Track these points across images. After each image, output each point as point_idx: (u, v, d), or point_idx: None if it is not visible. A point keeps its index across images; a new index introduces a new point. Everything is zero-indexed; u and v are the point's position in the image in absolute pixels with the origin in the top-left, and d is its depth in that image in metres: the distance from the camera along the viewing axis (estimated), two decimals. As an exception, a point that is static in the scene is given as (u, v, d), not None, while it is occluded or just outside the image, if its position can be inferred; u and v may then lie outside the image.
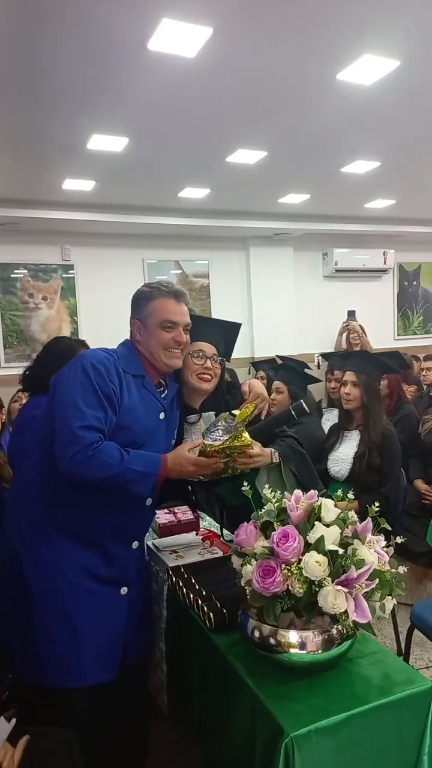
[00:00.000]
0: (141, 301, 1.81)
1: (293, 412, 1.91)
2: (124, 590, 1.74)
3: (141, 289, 1.85)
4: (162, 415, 1.79)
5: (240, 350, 6.73)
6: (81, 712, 1.70)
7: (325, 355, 5.53)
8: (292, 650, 1.26)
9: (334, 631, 1.26)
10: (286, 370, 3.45)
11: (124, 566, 1.74)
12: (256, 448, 1.78)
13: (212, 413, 2.00)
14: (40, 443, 1.73)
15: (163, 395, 1.83)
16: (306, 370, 3.76)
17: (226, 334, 2.06)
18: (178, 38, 2.58)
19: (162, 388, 1.85)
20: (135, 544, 1.78)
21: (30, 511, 1.72)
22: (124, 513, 1.70)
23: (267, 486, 1.49)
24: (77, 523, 1.68)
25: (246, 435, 1.65)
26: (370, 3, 2.43)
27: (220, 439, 1.64)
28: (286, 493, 1.41)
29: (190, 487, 2.10)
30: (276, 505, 1.39)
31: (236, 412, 1.71)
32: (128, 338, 1.86)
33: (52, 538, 1.67)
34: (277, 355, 5.55)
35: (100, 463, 1.54)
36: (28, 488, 1.77)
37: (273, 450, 1.90)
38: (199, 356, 1.94)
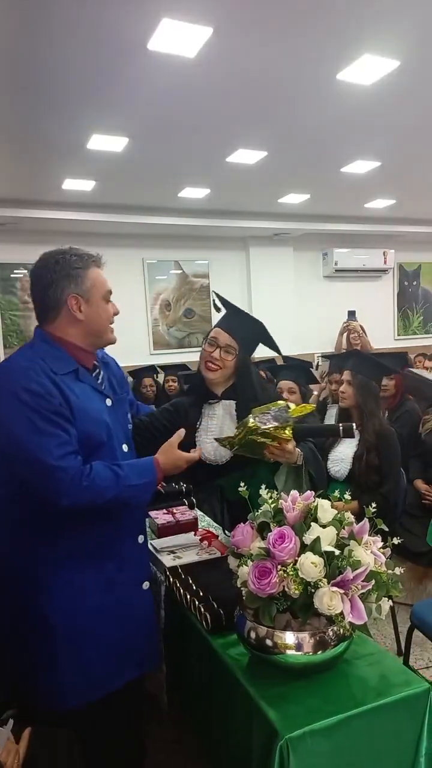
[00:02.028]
0: (74, 271, 1.55)
1: (341, 429, 1.83)
2: (146, 585, 1.68)
3: (64, 258, 1.56)
4: (109, 402, 1.64)
5: (240, 350, 6.80)
6: (117, 714, 1.63)
7: (326, 356, 5.54)
8: (288, 651, 1.26)
9: (330, 633, 1.26)
10: (295, 370, 3.42)
11: (138, 563, 1.68)
12: (290, 445, 1.76)
13: (233, 402, 1.98)
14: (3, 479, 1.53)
15: (99, 380, 1.66)
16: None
17: (252, 331, 1.98)
18: (178, 38, 2.58)
19: (96, 371, 1.67)
20: (141, 539, 1.71)
21: (28, 544, 1.55)
22: (124, 514, 1.66)
23: (264, 488, 1.48)
24: (81, 541, 1.54)
25: (289, 431, 1.65)
26: (370, 3, 2.43)
27: (267, 424, 1.63)
28: (282, 493, 1.41)
29: (185, 484, 2.09)
30: (272, 505, 1.39)
31: (292, 405, 1.70)
32: (39, 329, 1.59)
33: (59, 563, 1.52)
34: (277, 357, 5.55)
35: (97, 490, 1.45)
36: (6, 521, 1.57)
37: (300, 452, 1.88)
38: (212, 343, 1.88)
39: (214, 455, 1.97)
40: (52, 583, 1.50)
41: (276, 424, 1.64)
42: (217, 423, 1.99)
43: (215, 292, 2.11)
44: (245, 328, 1.97)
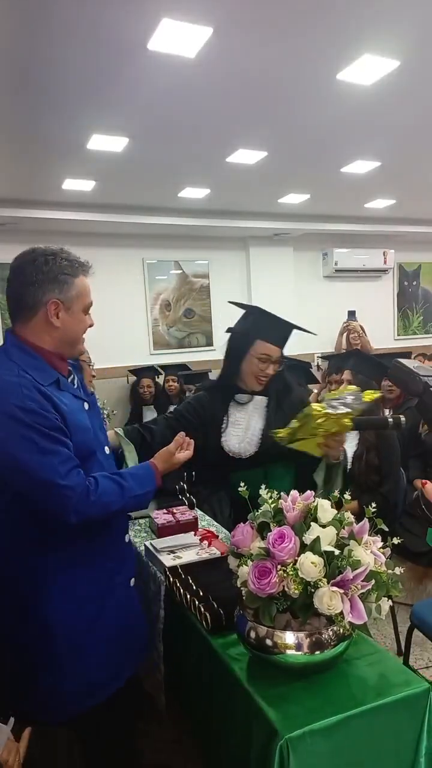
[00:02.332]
0: (62, 276, 1.48)
1: (390, 422, 1.83)
2: (132, 581, 1.69)
3: (55, 260, 1.48)
4: (86, 405, 1.60)
5: (240, 350, 6.81)
6: (117, 714, 1.62)
7: (325, 357, 5.54)
8: (288, 651, 1.26)
9: (330, 633, 1.26)
10: (295, 370, 3.42)
11: (128, 562, 1.70)
12: (345, 436, 1.76)
13: (264, 398, 2.01)
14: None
15: (75, 385, 1.61)
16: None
17: (288, 333, 2.02)
18: (178, 38, 2.58)
19: (71, 377, 1.62)
20: (127, 538, 1.72)
21: (26, 551, 1.51)
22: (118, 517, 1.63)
23: (264, 488, 1.48)
24: (79, 545, 1.52)
25: (350, 419, 1.64)
26: (370, 3, 2.43)
27: (338, 409, 1.62)
28: (282, 493, 1.41)
29: (182, 482, 2.11)
30: (272, 505, 1.39)
31: (365, 394, 1.68)
32: (11, 334, 1.50)
33: (58, 569, 1.50)
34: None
35: (104, 504, 1.44)
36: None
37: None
38: (264, 360, 1.90)
39: (238, 448, 1.97)
40: (51, 588, 1.48)
41: (347, 410, 1.62)
42: (245, 417, 2.00)
43: (236, 304, 2.10)
44: (285, 335, 1.99)
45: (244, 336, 2.01)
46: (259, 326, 1.97)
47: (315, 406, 1.64)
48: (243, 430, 2.00)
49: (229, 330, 2.10)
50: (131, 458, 1.98)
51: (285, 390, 2.06)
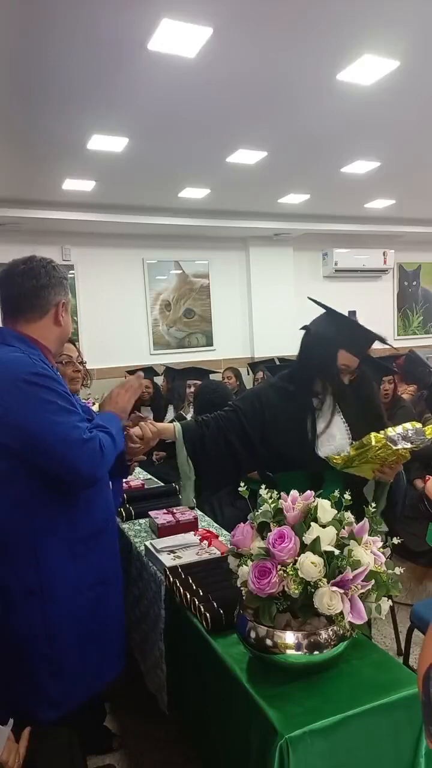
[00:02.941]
0: (65, 280, 1.62)
1: None
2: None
3: (53, 266, 1.60)
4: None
5: (239, 350, 6.81)
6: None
7: None
8: (288, 651, 1.26)
9: (330, 633, 1.26)
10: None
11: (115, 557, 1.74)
12: (399, 465, 1.75)
13: (331, 399, 1.92)
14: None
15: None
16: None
17: (370, 345, 1.96)
18: (178, 38, 2.58)
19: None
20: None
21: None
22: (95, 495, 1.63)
23: (264, 488, 1.48)
24: (70, 532, 1.54)
25: (408, 452, 1.65)
26: (370, 3, 2.43)
27: (398, 443, 1.61)
28: (282, 493, 1.41)
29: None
30: (272, 505, 1.39)
31: (427, 429, 1.66)
32: (13, 332, 1.55)
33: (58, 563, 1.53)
34: (276, 357, 5.54)
35: (108, 459, 1.52)
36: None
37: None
38: (343, 371, 1.84)
39: (332, 450, 1.84)
40: (54, 580, 1.51)
41: (410, 445, 1.61)
42: (327, 419, 1.88)
43: (316, 302, 1.98)
44: (368, 345, 1.93)
45: (327, 344, 1.88)
46: (344, 335, 1.86)
47: (375, 437, 1.61)
48: (328, 434, 1.87)
49: (304, 328, 1.98)
50: (188, 492, 1.86)
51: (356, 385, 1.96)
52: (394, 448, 1.59)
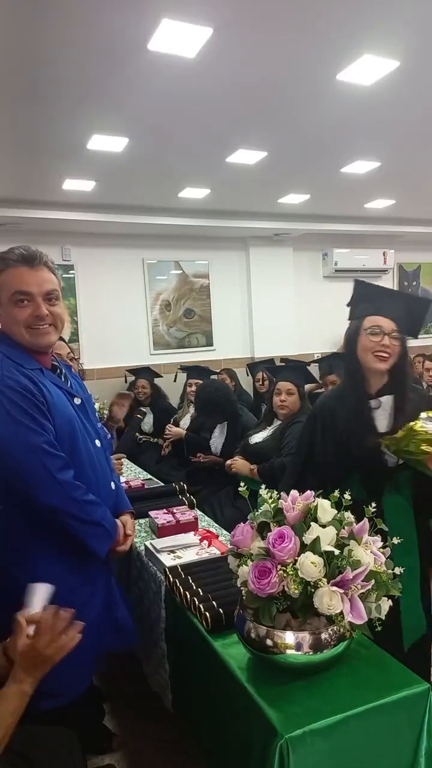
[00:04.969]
0: None
1: None
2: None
3: None
4: (78, 401, 1.66)
5: (239, 350, 6.81)
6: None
7: (316, 360, 5.49)
8: (288, 651, 1.26)
9: (330, 633, 1.26)
10: (294, 371, 3.41)
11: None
12: None
13: (390, 397, 1.82)
14: None
15: (63, 379, 1.67)
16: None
17: (410, 309, 1.82)
18: (178, 38, 2.58)
19: (58, 372, 1.67)
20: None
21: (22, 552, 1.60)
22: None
23: (264, 488, 1.48)
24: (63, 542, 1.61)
25: None
26: (370, 3, 2.43)
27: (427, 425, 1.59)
28: (282, 493, 1.41)
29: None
30: (272, 505, 1.39)
31: None
32: None
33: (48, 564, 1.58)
34: (276, 357, 5.54)
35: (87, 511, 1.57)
36: None
37: None
38: (376, 332, 1.73)
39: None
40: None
41: None
42: (385, 421, 1.82)
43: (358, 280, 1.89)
44: (395, 305, 1.80)
45: (353, 322, 1.84)
46: (363, 301, 1.78)
47: (418, 422, 1.60)
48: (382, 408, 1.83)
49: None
50: None
51: (408, 377, 1.90)
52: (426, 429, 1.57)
